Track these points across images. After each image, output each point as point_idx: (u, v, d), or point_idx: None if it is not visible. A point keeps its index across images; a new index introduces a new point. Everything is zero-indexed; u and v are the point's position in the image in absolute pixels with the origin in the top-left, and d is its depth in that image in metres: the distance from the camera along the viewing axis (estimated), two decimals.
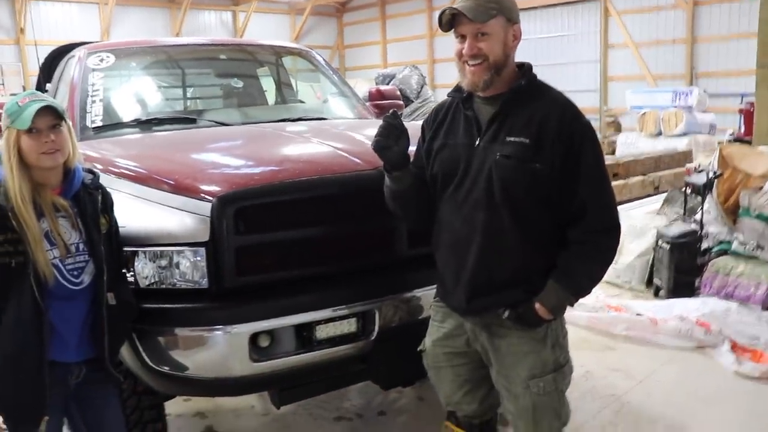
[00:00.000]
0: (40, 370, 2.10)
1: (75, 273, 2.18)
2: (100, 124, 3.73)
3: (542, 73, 2.28)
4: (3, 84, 16.95)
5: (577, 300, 2.24)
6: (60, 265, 2.14)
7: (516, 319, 2.18)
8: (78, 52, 4.37)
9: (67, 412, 2.32)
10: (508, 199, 2.10)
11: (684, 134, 12.40)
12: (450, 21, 2.13)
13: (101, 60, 4.17)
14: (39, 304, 2.07)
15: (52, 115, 2.12)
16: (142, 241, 2.50)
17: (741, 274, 5.05)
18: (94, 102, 3.84)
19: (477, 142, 2.17)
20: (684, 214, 5.95)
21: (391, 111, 2.32)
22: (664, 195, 6.93)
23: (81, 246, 2.21)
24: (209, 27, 21.38)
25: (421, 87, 16.41)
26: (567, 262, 2.15)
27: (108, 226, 2.32)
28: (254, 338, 2.48)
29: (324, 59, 5.03)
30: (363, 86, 15.96)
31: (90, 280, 2.22)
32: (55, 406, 2.18)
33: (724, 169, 5.45)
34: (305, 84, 6.15)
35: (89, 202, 2.25)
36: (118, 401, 2.50)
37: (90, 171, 2.34)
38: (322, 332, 2.57)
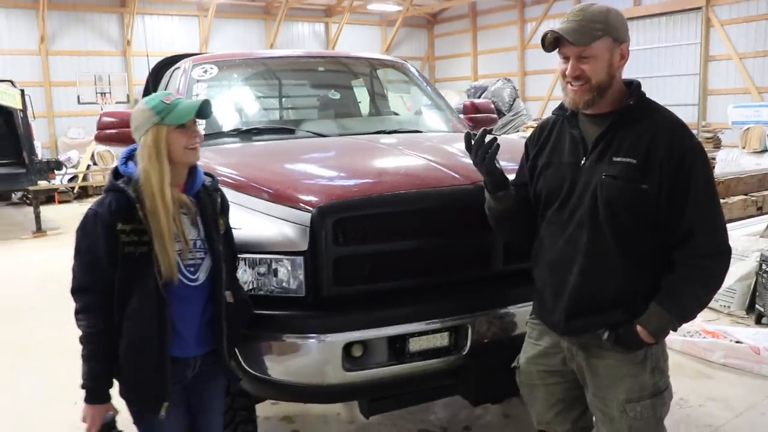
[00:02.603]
0: (162, 361, 2.19)
1: (191, 270, 2.26)
2: (202, 133, 3.87)
3: None
4: (110, 92, 17.90)
5: (680, 325, 2.17)
6: (179, 260, 2.21)
7: (616, 340, 2.13)
8: (183, 64, 4.56)
9: (184, 400, 2.39)
10: (613, 219, 2.06)
11: None
12: (553, 42, 2.11)
13: (205, 71, 4.34)
14: (162, 296, 2.15)
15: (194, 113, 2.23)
16: (241, 248, 2.58)
17: None
18: None
19: (583, 162, 2.15)
20: None
21: (481, 129, 2.32)
22: None
23: (198, 243, 2.28)
24: (302, 38, 21.87)
25: (514, 100, 16.29)
26: (673, 285, 2.08)
27: (225, 227, 2.41)
28: (348, 348, 2.52)
29: (419, 72, 5.06)
30: (453, 98, 15.97)
31: (205, 278, 2.29)
32: (174, 394, 2.27)
33: None
34: (396, 95, 6.21)
35: (209, 202, 2.34)
36: (224, 394, 2.58)
37: (209, 174, 2.43)
38: (415, 345, 2.58)
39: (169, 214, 2.14)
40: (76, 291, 2.19)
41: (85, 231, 2.17)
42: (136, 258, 2.14)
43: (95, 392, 2.19)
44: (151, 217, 2.12)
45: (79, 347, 2.19)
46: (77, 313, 2.18)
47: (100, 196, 2.23)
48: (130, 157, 2.26)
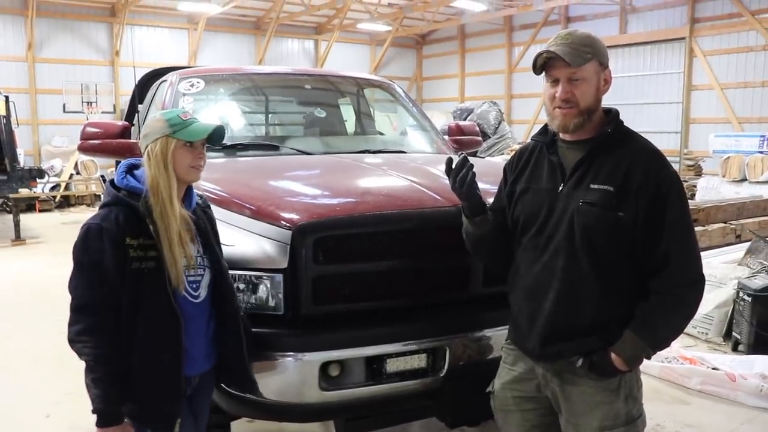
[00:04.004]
0: (177, 379, 2.17)
1: (194, 286, 2.25)
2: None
3: (622, 113, 2.26)
4: (96, 102, 17.82)
5: (654, 352, 2.19)
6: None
7: (590, 367, 2.14)
8: (170, 77, 4.55)
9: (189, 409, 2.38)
10: (590, 246, 2.08)
11: None
12: (543, 64, 2.13)
13: (192, 85, 4.34)
14: (176, 312, 2.14)
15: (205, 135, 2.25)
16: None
17: None
18: None
19: (560, 188, 2.16)
20: None
21: (460, 154, 2.33)
22: (747, 245, 6.66)
23: (199, 260, 2.28)
24: (292, 54, 21.94)
25: (499, 123, 16.38)
26: (647, 313, 2.09)
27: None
28: (325, 367, 2.51)
29: (406, 93, 5.10)
30: (439, 119, 16.05)
31: (206, 295, 2.29)
32: (185, 410, 2.27)
33: None
34: (382, 114, 6.23)
35: (206, 219, 2.36)
36: (208, 411, 2.57)
37: (198, 194, 2.43)
38: (393, 366, 2.58)
39: (178, 222, 2.14)
40: (78, 311, 2.09)
41: (88, 247, 2.09)
42: (143, 273, 2.11)
43: (110, 415, 2.11)
44: (161, 228, 2.11)
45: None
46: (79, 334, 2.08)
47: (100, 211, 2.18)
48: (128, 170, 2.25)
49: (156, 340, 2.13)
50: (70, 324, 2.10)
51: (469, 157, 2.33)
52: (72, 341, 2.10)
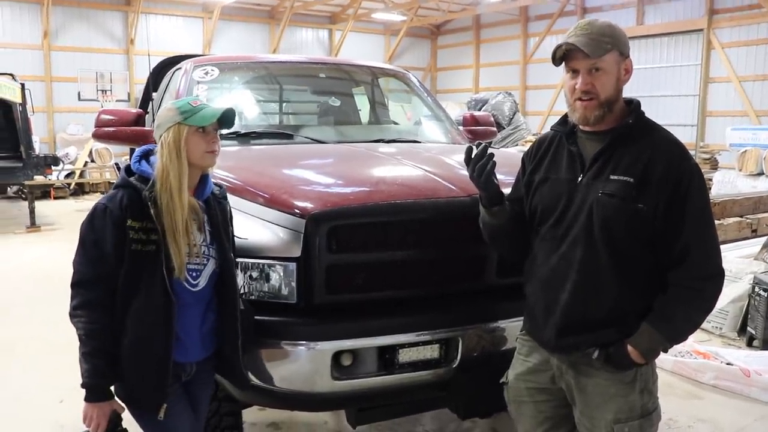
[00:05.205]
0: (165, 363, 2.17)
1: (193, 275, 2.25)
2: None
3: None
4: (111, 90, 17.90)
5: (671, 346, 2.17)
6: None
7: (606, 359, 2.12)
8: (184, 65, 4.55)
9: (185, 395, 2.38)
10: (608, 237, 2.06)
11: None
12: (563, 55, 2.10)
13: (206, 73, 4.34)
14: (170, 297, 2.14)
15: (217, 120, 2.26)
16: (234, 251, 2.57)
17: None
18: None
19: (580, 179, 2.14)
20: None
21: (479, 143, 2.31)
22: (763, 239, 6.60)
23: (204, 249, 2.28)
24: (306, 44, 21.91)
25: (514, 113, 16.31)
26: (665, 305, 2.07)
27: (231, 236, 2.44)
28: (337, 356, 2.50)
29: (420, 82, 5.07)
30: (453, 109, 15.96)
31: (205, 284, 2.28)
32: (173, 395, 2.26)
33: None
34: (396, 104, 6.20)
35: (219, 210, 2.35)
36: (208, 401, 2.57)
37: (217, 184, 2.43)
38: (405, 356, 2.57)
39: (184, 212, 2.15)
40: (77, 285, 2.15)
41: (93, 225, 2.15)
42: (142, 256, 2.13)
43: (98, 389, 2.15)
44: (166, 215, 2.12)
45: (69, 345, 2.16)
46: (76, 308, 2.13)
47: (110, 192, 2.23)
48: (143, 156, 2.27)
49: (147, 323, 2.15)
50: (71, 299, 2.15)
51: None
52: (70, 315, 2.15)
